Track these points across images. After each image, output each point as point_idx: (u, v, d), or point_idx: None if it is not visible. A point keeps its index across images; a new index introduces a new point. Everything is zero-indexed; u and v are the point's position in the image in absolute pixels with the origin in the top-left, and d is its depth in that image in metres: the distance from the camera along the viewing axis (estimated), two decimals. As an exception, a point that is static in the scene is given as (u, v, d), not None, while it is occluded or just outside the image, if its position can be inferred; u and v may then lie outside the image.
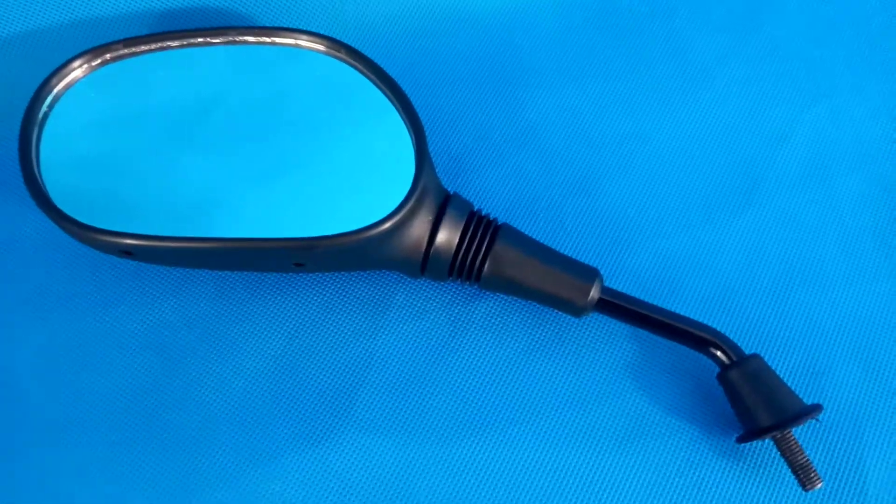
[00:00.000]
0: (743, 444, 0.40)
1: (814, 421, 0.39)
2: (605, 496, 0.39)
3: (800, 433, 0.39)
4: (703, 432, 0.40)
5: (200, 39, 0.42)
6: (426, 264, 0.39)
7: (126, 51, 0.41)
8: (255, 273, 0.43)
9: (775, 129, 0.48)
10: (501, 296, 0.43)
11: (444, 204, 0.39)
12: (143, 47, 0.42)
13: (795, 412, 0.37)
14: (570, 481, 0.39)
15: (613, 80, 0.49)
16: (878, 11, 0.52)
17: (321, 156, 0.39)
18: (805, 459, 0.37)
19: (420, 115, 0.39)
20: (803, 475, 0.37)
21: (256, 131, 0.40)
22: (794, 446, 0.37)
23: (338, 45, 0.42)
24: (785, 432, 0.37)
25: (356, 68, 0.41)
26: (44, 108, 0.39)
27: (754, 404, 0.38)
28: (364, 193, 0.39)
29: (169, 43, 0.42)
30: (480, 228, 0.39)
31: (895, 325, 0.43)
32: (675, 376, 0.42)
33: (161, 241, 0.36)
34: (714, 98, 0.49)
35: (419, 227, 0.38)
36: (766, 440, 0.39)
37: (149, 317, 0.42)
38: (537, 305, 0.43)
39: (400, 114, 0.40)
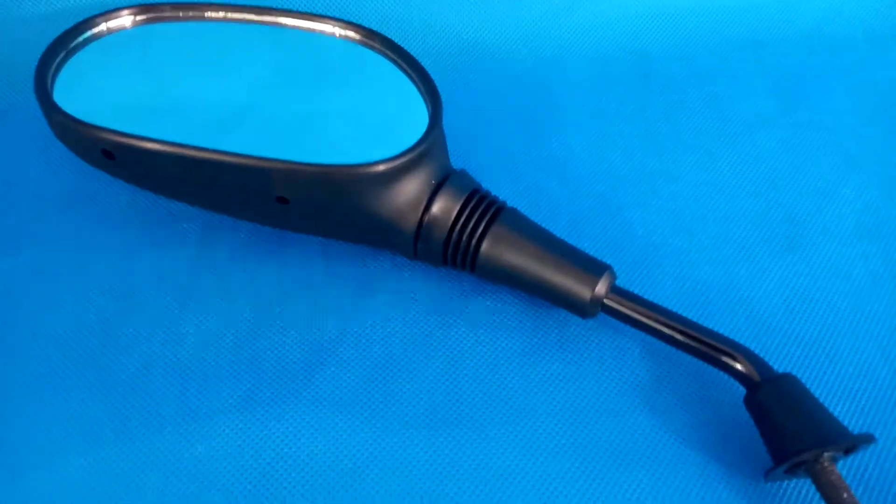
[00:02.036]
0: (773, 485, 0.32)
1: (865, 447, 0.31)
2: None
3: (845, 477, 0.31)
4: (723, 470, 0.33)
5: (240, 16, 0.44)
6: (419, 234, 0.36)
7: (170, 14, 0.43)
8: (239, 237, 0.41)
9: (820, 187, 0.45)
10: (500, 295, 0.39)
11: (450, 176, 0.37)
12: (189, 13, 0.43)
13: (838, 435, 0.30)
14: (553, 493, 0.32)
15: (645, 126, 0.48)
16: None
17: (334, 101, 0.39)
18: (851, 498, 0.29)
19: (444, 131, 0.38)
20: (850, 518, 0.28)
21: (276, 75, 0.40)
22: (836, 480, 0.29)
23: (371, 34, 0.42)
24: (823, 461, 0.29)
25: (384, 54, 0.42)
26: (79, 39, 0.40)
27: (787, 427, 0.31)
28: (368, 140, 0.37)
29: (211, 14, 0.43)
30: (482, 205, 0.36)
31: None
32: (694, 405, 0.35)
33: (142, 141, 0.34)
34: (754, 152, 0.46)
35: (416, 187, 0.35)
36: (802, 477, 0.31)
37: (118, 266, 0.39)
38: (540, 308, 0.38)
39: (419, 87, 0.39)
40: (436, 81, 0.40)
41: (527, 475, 0.32)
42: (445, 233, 0.36)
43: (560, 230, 0.41)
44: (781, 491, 0.32)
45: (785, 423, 0.31)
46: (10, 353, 0.36)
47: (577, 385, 0.35)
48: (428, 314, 0.38)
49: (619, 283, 0.38)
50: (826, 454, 0.29)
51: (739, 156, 0.46)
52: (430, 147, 0.36)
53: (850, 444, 0.29)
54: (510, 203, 0.42)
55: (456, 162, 0.41)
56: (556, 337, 0.37)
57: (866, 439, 0.30)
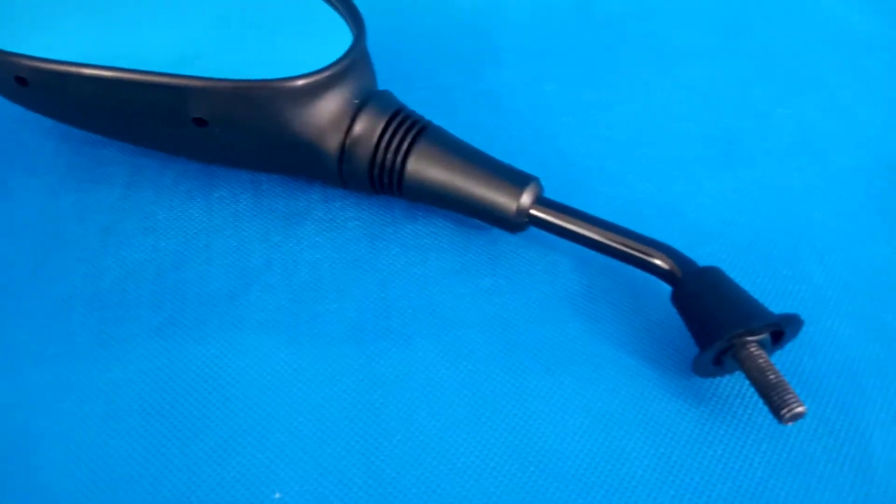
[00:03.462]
0: (706, 382, 0.31)
1: (794, 334, 0.30)
2: (526, 414, 0.31)
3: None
4: (655, 370, 0.32)
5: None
6: (343, 156, 0.35)
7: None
8: (167, 178, 0.40)
9: (757, 109, 0.45)
10: (431, 219, 0.38)
11: (373, 96, 0.36)
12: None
13: (761, 314, 0.29)
14: (480, 396, 0.31)
15: (582, 61, 0.48)
16: (871, 30, 0.50)
17: (254, 26, 0.38)
18: (778, 378, 0.28)
19: (376, 68, 0.38)
20: (777, 398, 0.28)
21: (194, 5, 0.39)
22: (762, 363, 0.28)
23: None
24: (749, 345, 0.29)
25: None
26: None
27: (710, 313, 0.30)
28: (288, 60, 0.36)
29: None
30: (406, 123, 0.36)
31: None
32: (626, 312, 0.34)
33: (53, 64, 0.33)
34: (691, 81, 0.46)
35: (338, 106, 0.35)
36: (734, 370, 0.30)
37: (43, 208, 0.39)
38: (471, 230, 0.37)
39: (341, 12, 0.39)
40: (371, 27, 0.39)
41: (453, 382, 0.31)
42: (370, 153, 0.35)
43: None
44: (714, 386, 0.31)
45: (708, 310, 0.30)
46: (-76, 292, 0.35)
47: (507, 298, 0.35)
48: (358, 240, 0.37)
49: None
50: (751, 337, 0.29)
51: (676, 85, 0.46)
52: (352, 65, 0.35)
53: (774, 323, 0.29)
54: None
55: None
56: (486, 255, 0.36)
57: (792, 319, 0.29)
